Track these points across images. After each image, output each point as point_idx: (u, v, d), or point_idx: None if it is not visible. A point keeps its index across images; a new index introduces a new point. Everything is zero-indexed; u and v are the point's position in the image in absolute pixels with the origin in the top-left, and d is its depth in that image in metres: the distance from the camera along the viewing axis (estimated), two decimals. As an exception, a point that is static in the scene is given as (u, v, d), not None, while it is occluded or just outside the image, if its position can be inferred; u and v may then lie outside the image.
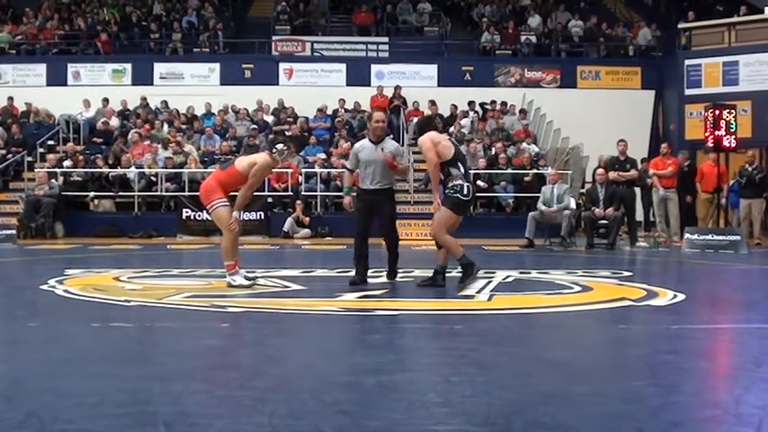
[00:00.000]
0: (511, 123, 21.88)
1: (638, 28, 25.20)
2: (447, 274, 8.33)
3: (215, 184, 8.20)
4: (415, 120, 8.35)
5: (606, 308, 7.04)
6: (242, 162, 8.33)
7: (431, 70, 23.80)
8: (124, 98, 22.83)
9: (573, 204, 15.99)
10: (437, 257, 8.40)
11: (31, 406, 3.60)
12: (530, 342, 5.56)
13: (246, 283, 8.09)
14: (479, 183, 18.56)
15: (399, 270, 8.87)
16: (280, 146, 8.27)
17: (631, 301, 7.31)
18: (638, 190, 16.80)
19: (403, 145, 21.39)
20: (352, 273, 8.63)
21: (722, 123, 15.52)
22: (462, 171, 8.06)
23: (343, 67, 23.75)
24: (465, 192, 7.93)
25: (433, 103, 22.53)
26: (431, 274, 8.34)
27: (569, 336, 5.96)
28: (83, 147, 21.00)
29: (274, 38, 24.77)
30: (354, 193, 8.79)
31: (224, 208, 8.12)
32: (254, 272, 9.24)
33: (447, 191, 7.91)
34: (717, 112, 15.62)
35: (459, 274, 8.17)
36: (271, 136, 19.26)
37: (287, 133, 20.70)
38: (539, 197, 15.89)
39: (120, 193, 18.72)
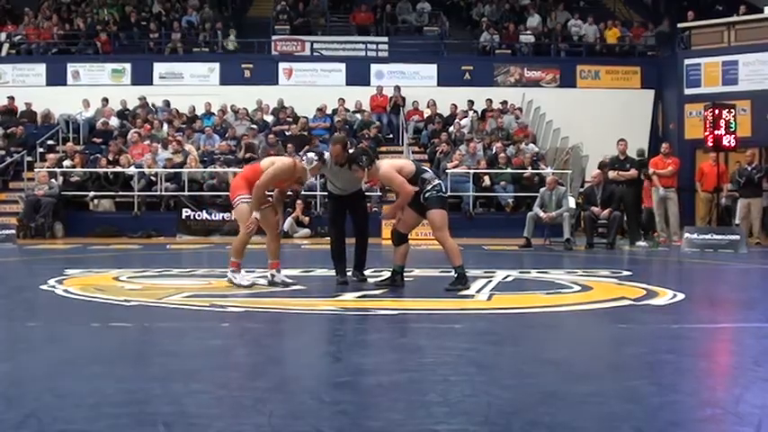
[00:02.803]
0: (509, 123, 21.88)
1: (640, 29, 25.24)
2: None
3: (241, 181, 8.24)
4: (356, 156, 8.19)
5: (606, 307, 7.04)
6: (266, 161, 8.37)
7: (430, 70, 23.78)
8: (123, 98, 22.82)
9: (572, 204, 15.97)
10: (393, 257, 8.34)
11: (30, 406, 3.60)
12: (529, 341, 5.56)
13: (246, 283, 8.08)
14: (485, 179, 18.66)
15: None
16: (311, 154, 8.10)
17: (631, 300, 7.31)
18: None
19: (402, 145, 21.44)
20: (331, 269, 8.84)
21: (721, 123, 15.51)
22: (432, 173, 8.34)
23: (342, 66, 23.74)
24: (443, 189, 8.21)
25: (432, 102, 22.54)
26: (453, 275, 8.16)
27: (569, 335, 5.96)
28: (82, 147, 21.00)
29: (274, 38, 24.76)
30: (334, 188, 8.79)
31: (245, 204, 8.11)
32: (253, 271, 9.24)
33: (429, 194, 7.93)
34: (716, 111, 15.62)
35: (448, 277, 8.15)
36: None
37: (287, 133, 20.72)
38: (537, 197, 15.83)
39: (120, 193, 18.72)
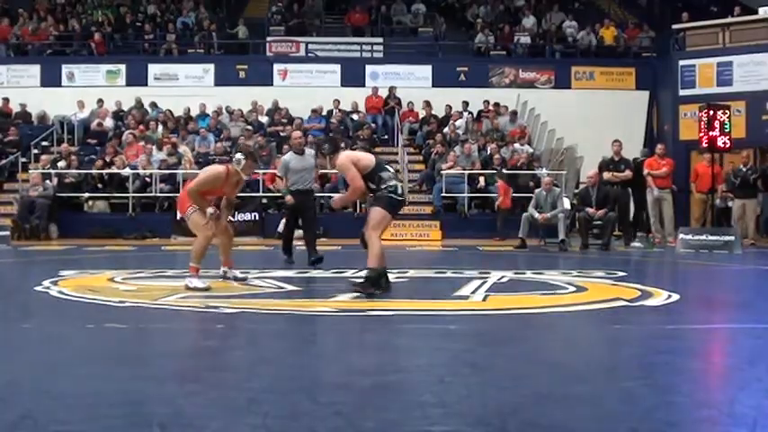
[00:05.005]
0: (504, 124, 21.89)
1: (635, 30, 25.29)
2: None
3: (185, 195, 8.44)
4: (320, 143, 8.68)
5: (601, 308, 7.04)
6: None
7: (425, 71, 23.79)
8: (118, 99, 22.79)
9: (567, 205, 15.97)
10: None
11: (25, 407, 3.59)
12: (524, 342, 5.56)
13: (202, 285, 7.97)
14: (480, 180, 18.67)
15: (394, 270, 8.90)
16: (238, 155, 8.44)
17: (626, 301, 7.32)
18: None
19: (397, 145, 21.45)
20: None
21: (716, 124, 15.54)
22: (392, 172, 8.00)
23: (337, 67, 23.72)
24: (399, 191, 7.80)
25: (427, 103, 22.54)
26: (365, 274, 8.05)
27: (564, 336, 5.96)
28: (77, 148, 20.97)
29: (269, 39, 24.76)
30: (289, 194, 11.09)
31: (196, 214, 8.22)
32: (248, 272, 9.24)
33: (379, 192, 7.73)
34: (711, 112, 15.64)
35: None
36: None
37: (281, 134, 20.71)
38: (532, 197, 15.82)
39: (115, 194, 18.69)
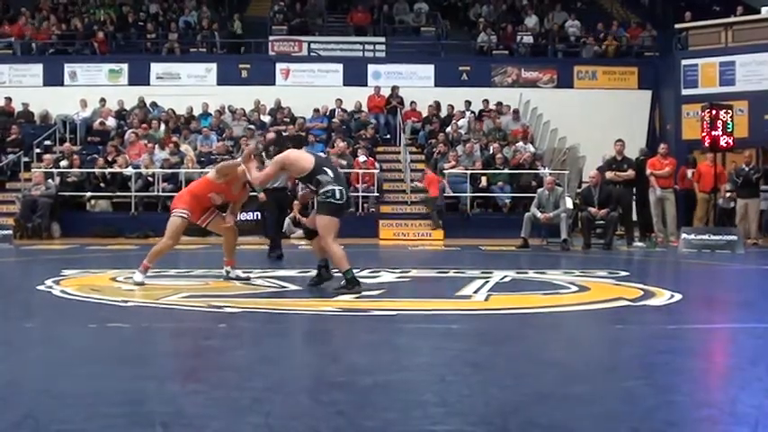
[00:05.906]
0: (507, 123, 21.89)
1: (637, 30, 25.27)
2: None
3: (186, 196, 8.78)
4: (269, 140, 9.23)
5: (603, 308, 7.04)
6: (212, 172, 8.85)
7: (428, 70, 23.80)
8: (121, 98, 22.81)
9: (570, 204, 15.96)
10: (313, 254, 8.19)
11: (27, 407, 3.60)
12: (526, 342, 5.56)
13: (140, 280, 8.32)
14: (482, 179, 18.66)
15: (397, 270, 8.90)
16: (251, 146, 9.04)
17: (628, 301, 7.31)
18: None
19: (400, 144, 21.46)
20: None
21: (719, 123, 15.54)
22: (332, 176, 7.79)
23: (339, 67, 23.74)
24: (338, 196, 7.66)
25: (434, 103, 22.53)
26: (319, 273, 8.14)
27: (566, 336, 5.96)
28: (79, 147, 20.99)
29: (271, 38, 24.76)
30: (262, 192, 12.04)
31: (178, 219, 8.56)
32: (250, 272, 9.25)
33: (320, 198, 7.71)
34: (713, 112, 15.64)
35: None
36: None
37: (284, 134, 20.70)
38: (534, 197, 15.81)
39: (117, 194, 18.71)
